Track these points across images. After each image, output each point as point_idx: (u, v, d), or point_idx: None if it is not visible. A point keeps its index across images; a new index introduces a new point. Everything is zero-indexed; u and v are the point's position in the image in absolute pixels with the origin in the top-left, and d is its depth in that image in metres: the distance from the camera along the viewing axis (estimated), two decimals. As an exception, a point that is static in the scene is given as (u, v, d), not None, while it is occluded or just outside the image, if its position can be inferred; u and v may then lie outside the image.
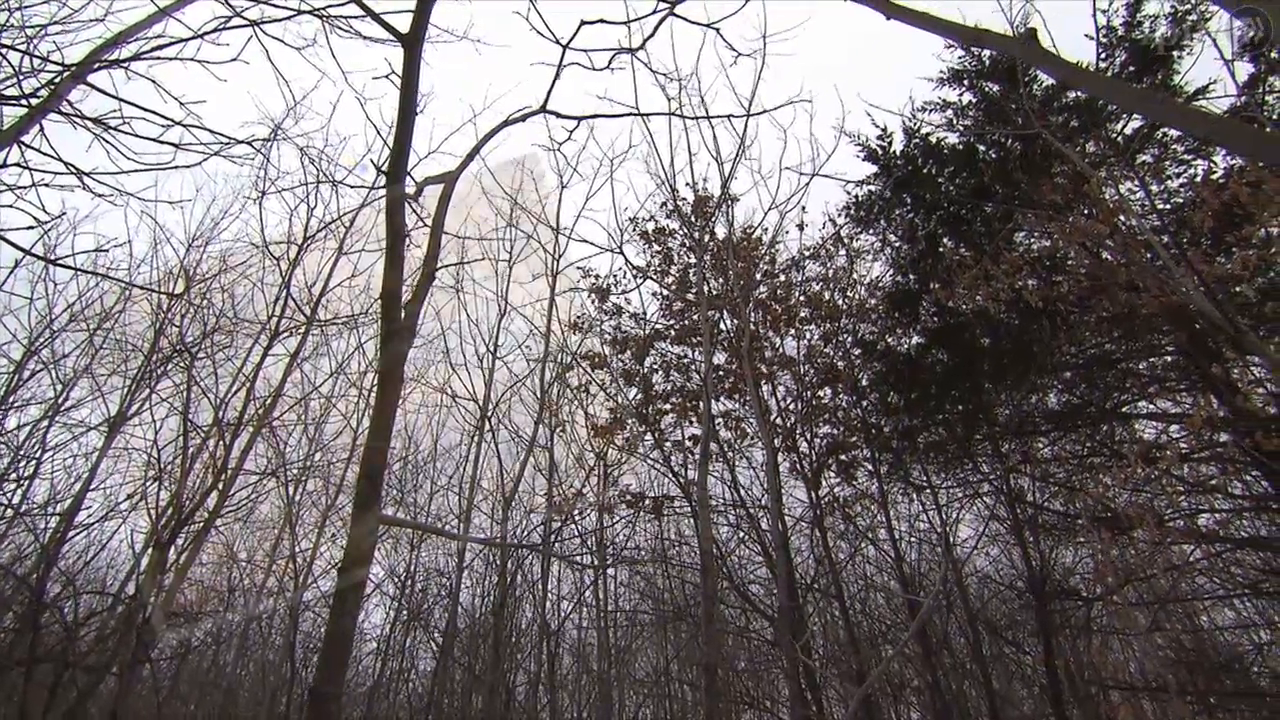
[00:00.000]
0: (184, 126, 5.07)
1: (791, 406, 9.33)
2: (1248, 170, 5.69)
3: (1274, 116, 5.89)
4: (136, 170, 5.22)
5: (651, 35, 4.82)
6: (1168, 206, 7.36)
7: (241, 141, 5.44)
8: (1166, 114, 2.67)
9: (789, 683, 7.26)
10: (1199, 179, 6.85)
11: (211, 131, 5.18)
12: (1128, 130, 7.48)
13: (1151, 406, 7.75)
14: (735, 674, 9.36)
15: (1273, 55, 5.70)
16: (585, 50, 4.94)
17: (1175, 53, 6.80)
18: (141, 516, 8.23)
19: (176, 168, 5.41)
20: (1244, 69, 6.15)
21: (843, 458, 9.27)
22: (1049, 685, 8.04)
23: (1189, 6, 6.51)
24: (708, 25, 4.84)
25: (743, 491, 8.99)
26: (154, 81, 5.11)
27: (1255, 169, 5.47)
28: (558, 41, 4.72)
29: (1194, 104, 7.02)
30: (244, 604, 10.65)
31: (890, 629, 9.56)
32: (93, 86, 4.66)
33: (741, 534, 9.01)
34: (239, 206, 11.09)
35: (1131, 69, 7.30)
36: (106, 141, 4.93)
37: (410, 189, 5.65)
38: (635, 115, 6.58)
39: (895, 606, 9.77)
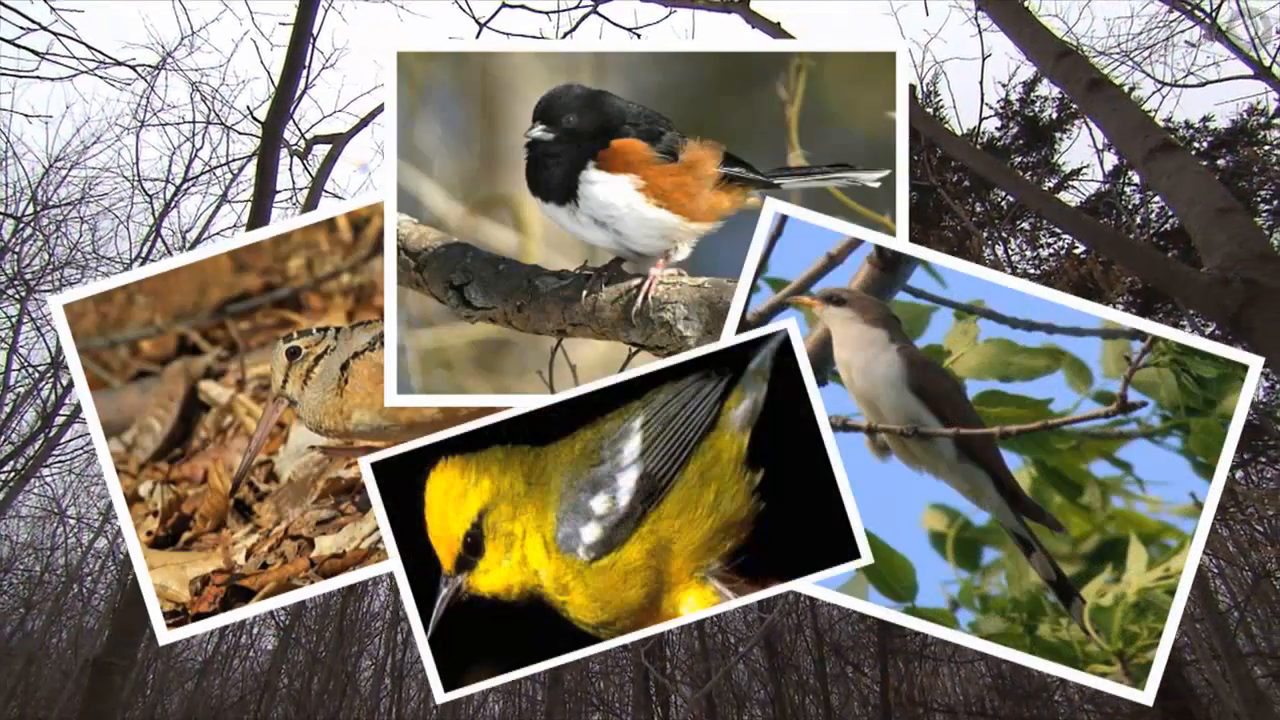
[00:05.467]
0: (52, 34, 4.58)
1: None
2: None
3: (1129, 206, 6.50)
4: (-14, 73, 4.70)
5: (573, 30, 4.74)
6: (1038, 271, 7.98)
7: (122, 63, 4.95)
8: (1011, 183, 2.92)
9: (634, 687, 7.36)
10: (1064, 251, 7.46)
11: (87, 45, 4.71)
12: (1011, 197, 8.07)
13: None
14: (587, 676, 9.38)
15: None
16: (504, 33, 4.81)
17: (1058, 134, 7.42)
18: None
19: (38, 78, 4.90)
20: (1111, 159, 6.78)
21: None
22: (881, 705, 8.52)
23: (1070, 97, 7.09)
24: (631, 30, 4.79)
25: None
26: (19, -24, 4.61)
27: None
28: (476, 20, 4.58)
29: (1069, 182, 7.68)
30: (65, 565, 9.72)
31: (741, 641, 9.84)
32: (-61, -30, 4.15)
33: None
34: (114, 135, 10.07)
35: (1022, 141, 7.92)
36: (-49, 35, 4.40)
37: (300, 146, 5.35)
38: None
39: (750, 620, 10.06)
